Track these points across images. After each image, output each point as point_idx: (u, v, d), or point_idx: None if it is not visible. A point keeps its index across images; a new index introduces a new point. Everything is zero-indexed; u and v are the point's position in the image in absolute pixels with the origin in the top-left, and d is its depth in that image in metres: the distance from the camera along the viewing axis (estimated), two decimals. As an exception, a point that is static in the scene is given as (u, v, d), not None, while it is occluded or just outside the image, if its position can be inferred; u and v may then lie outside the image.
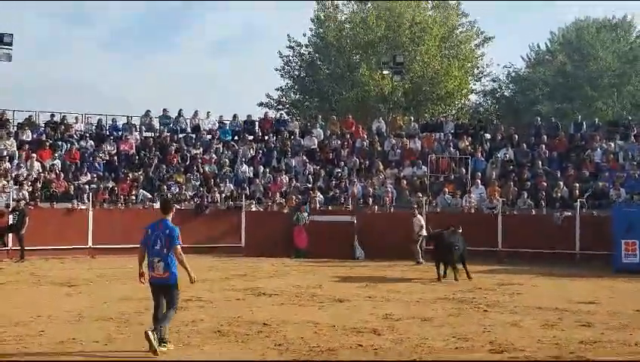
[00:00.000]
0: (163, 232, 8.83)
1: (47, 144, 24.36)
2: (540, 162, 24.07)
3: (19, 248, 20.23)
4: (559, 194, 22.37)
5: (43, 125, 25.62)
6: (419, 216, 20.90)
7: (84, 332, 10.06)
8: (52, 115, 25.91)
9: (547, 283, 16.37)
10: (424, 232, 20.16)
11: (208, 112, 27.40)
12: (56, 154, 24.16)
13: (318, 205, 23.10)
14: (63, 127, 25.46)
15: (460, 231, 17.29)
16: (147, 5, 65.44)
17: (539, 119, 28.16)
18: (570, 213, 21.41)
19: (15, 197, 21.12)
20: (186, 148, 25.60)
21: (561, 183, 22.61)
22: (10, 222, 20.55)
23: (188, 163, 25.03)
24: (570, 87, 40.44)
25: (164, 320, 8.82)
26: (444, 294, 14.17)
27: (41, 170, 23.16)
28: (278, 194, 23.66)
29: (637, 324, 11.02)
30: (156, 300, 8.97)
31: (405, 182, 23.95)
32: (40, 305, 12.26)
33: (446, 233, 16.93)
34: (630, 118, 28.81)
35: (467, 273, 16.72)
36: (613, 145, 24.37)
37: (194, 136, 26.53)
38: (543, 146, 24.79)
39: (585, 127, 26.10)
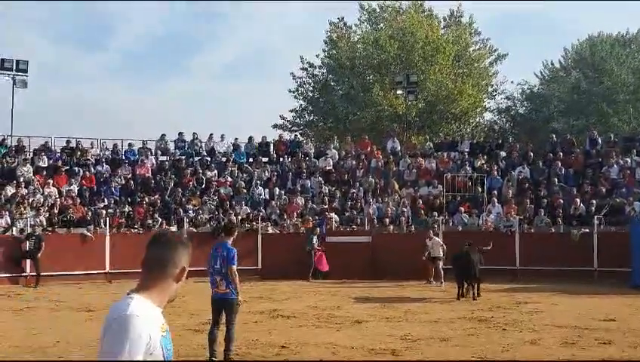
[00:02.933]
0: (222, 253, 9.45)
1: (63, 170, 24.61)
2: (557, 179, 24.03)
3: (35, 274, 20.37)
4: (577, 211, 22.31)
5: (59, 151, 25.88)
6: (435, 237, 20.72)
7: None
8: (68, 141, 26.18)
9: (566, 300, 16.30)
10: (440, 253, 20.16)
11: (223, 135, 27.66)
12: (73, 180, 24.37)
13: (334, 226, 23.15)
14: (78, 152, 25.71)
15: (477, 248, 17.34)
16: (160, 29, 66.11)
17: (554, 136, 28.13)
18: (587, 230, 21.32)
19: (32, 223, 21.31)
20: (201, 171, 25.78)
21: (578, 200, 22.56)
22: (27, 248, 20.72)
23: (203, 186, 25.19)
24: (585, 104, 40.39)
25: (230, 341, 9.40)
26: (462, 314, 14.15)
27: (57, 196, 23.37)
28: (294, 215, 23.74)
29: (658, 341, 10.96)
30: (216, 316, 9.50)
31: (421, 201, 23.97)
32: (59, 331, 12.34)
33: (467, 250, 16.95)
34: (646, 133, 28.74)
35: (478, 291, 16.77)
36: (629, 160, 24.29)
37: (209, 159, 26.72)
38: (559, 163, 24.75)
39: (600, 143, 26.05)
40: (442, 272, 20.02)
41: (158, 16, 67.82)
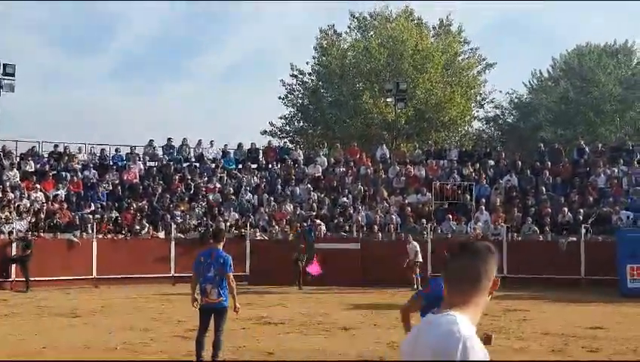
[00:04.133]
0: (217, 261, 9.18)
1: (50, 175, 24.49)
2: (544, 188, 24.14)
3: (23, 279, 20.25)
4: (564, 220, 22.42)
5: (46, 156, 25.75)
6: (413, 242, 21.08)
7: (89, 362, 10.08)
8: (55, 146, 26.06)
9: (553, 308, 16.36)
10: (420, 258, 20.48)
11: (212, 141, 27.60)
12: (60, 185, 24.25)
13: (322, 233, 23.14)
14: (66, 157, 25.60)
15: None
16: (148, 37, 65.99)
17: (542, 145, 28.26)
18: (574, 239, 21.44)
19: (17, 227, 21.20)
20: (190, 177, 25.73)
21: (565, 209, 22.67)
22: (14, 252, 20.61)
23: (192, 192, 25.13)
24: (572, 113, 40.61)
25: (218, 348, 9.18)
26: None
27: (44, 201, 23.26)
28: (282, 222, 23.71)
29: (644, 349, 11.01)
30: (204, 325, 9.28)
31: (410, 209, 24.01)
32: (45, 336, 12.27)
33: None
34: (633, 143, 28.89)
35: None
36: (616, 170, 24.44)
37: (198, 165, 26.66)
38: (547, 172, 24.87)
39: (588, 152, 26.20)
40: (417, 277, 20.49)
41: (146, 24, 67.74)
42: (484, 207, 23.47)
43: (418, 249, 20.88)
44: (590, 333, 12.52)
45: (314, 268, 21.77)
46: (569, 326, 13.34)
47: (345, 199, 24.80)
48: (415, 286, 20.41)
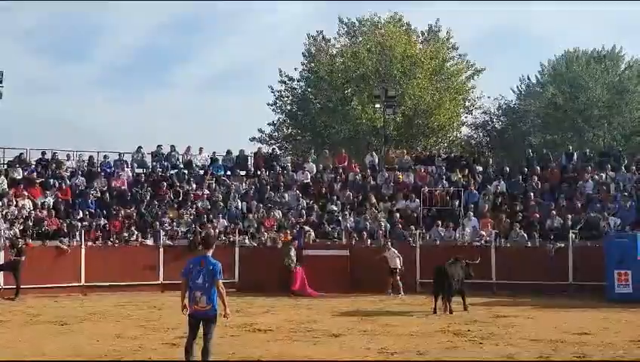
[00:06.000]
0: (206, 268, 9.18)
1: (38, 182, 24.39)
2: (532, 194, 24.23)
3: (14, 286, 20.13)
4: (552, 226, 22.52)
5: (34, 163, 25.65)
6: (392, 249, 21.29)
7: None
8: (43, 153, 25.94)
9: (542, 314, 16.43)
10: (399, 264, 20.88)
11: (201, 148, 27.50)
12: (48, 192, 24.17)
13: (311, 239, 23.15)
14: (54, 164, 25.52)
15: (464, 262, 17.54)
16: (136, 43, 65.90)
17: (530, 151, 28.40)
18: (562, 245, 21.54)
19: (5, 234, 21.12)
20: (178, 184, 25.68)
21: (554, 214, 22.77)
22: (2, 261, 20.54)
23: (181, 199, 25.09)
24: (561, 119, 40.83)
25: (207, 355, 9.15)
26: (439, 327, 14.21)
27: (32, 208, 23.18)
28: (272, 228, 23.70)
29: (631, 355, 11.09)
30: (193, 332, 9.25)
31: (399, 215, 24.06)
32: (33, 344, 12.24)
33: (446, 265, 17.10)
34: (620, 148, 29.11)
35: (464, 305, 16.90)
36: (604, 176, 24.56)
37: (186, 171, 26.61)
38: (535, 178, 24.96)
39: (576, 158, 26.33)
40: (400, 284, 20.83)
41: (133, 31, 67.64)
42: (472, 213, 23.56)
43: (398, 254, 21.11)
44: (578, 339, 12.59)
45: (296, 282, 21.66)
46: (557, 332, 13.42)
47: (334, 206, 24.82)
48: (401, 293, 20.58)
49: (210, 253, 9.42)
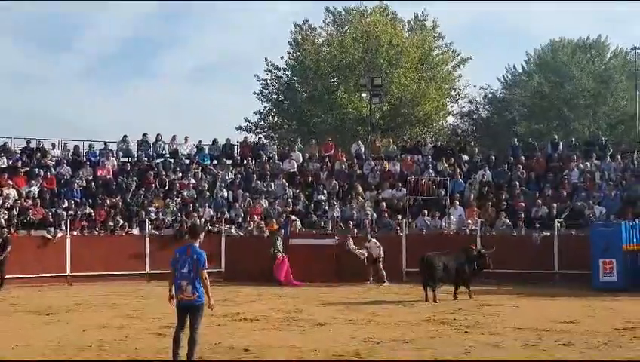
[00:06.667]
0: (191, 257, 9.18)
1: (22, 171, 24.24)
2: (518, 183, 24.31)
3: (-1, 276, 19.97)
4: (538, 214, 22.61)
5: (18, 152, 25.48)
6: (373, 239, 21.49)
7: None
8: (28, 142, 25.79)
9: (527, 303, 16.52)
10: (381, 253, 21.17)
11: (186, 137, 27.43)
12: (33, 181, 24.02)
13: (297, 229, 23.14)
14: (39, 153, 25.36)
15: (477, 252, 17.65)
16: (124, 32, 65.52)
17: (516, 140, 28.48)
18: (548, 233, 21.63)
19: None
20: (164, 173, 25.60)
21: (539, 203, 22.86)
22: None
23: (166, 188, 25.00)
24: (546, 108, 41.02)
25: (194, 345, 9.12)
26: (425, 316, 14.26)
27: (17, 197, 23.03)
28: (257, 218, 23.66)
29: (616, 343, 11.17)
30: (181, 321, 9.25)
31: (385, 204, 24.08)
32: (18, 334, 12.16)
33: (431, 254, 17.20)
34: (606, 138, 29.23)
35: (469, 293, 17.21)
36: (589, 165, 24.67)
37: (172, 160, 26.53)
38: (521, 167, 25.04)
39: (562, 147, 26.43)
40: (384, 272, 21.05)
41: (120, 21, 67.19)
42: (458, 202, 23.62)
43: (379, 244, 21.32)
44: (563, 327, 12.66)
45: (280, 272, 21.65)
46: (543, 320, 13.48)
47: (321, 195, 24.82)
48: (385, 282, 20.69)
49: (197, 242, 9.41)
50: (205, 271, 9.19)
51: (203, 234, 9.94)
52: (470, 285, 17.45)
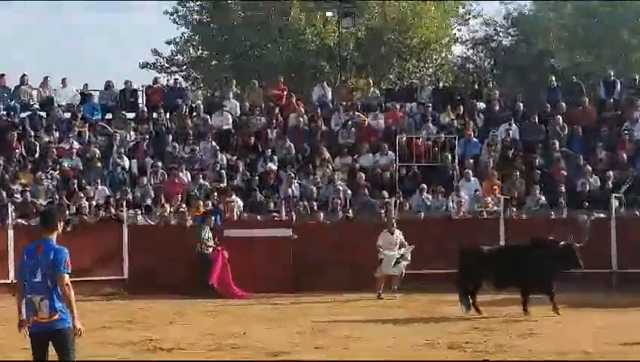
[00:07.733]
0: (45, 258, 8.81)
1: None
2: (557, 143, 24.49)
3: None
4: (586, 188, 22.81)
5: None
6: (396, 231, 21.13)
7: None
8: None
9: (572, 316, 16.73)
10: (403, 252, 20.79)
11: (64, 79, 27.21)
12: None
13: (236, 214, 23.14)
14: None
15: (566, 246, 17.68)
16: None
17: (553, 79, 28.58)
18: (602, 215, 21.84)
19: None
20: (33, 133, 25.35)
21: (589, 171, 23.05)
22: None
23: (37, 156, 24.80)
24: (597, 32, 41.20)
25: None
26: (426, 338, 14.31)
27: None
28: (175, 198, 23.58)
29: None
30: (39, 356, 8.82)
31: (364, 176, 24.10)
32: None
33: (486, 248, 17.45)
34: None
35: (554, 306, 17.22)
36: (661, 114, 24.94)
37: (45, 115, 26.29)
38: (561, 119, 25.21)
39: (620, 88, 26.59)
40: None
41: None
42: (471, 172, 23.74)
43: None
44: (628, 350, 12.82)
45: (210, 273, 21.67)
46: (596, 341, 13.65)
47: (269, 163, 24.79)
48: (396, 286, 20.69)
49: (53, 236, 9.02)
50: (67, 276, 8.80)
51: (63, 223, 9.64)
52: (554, 294, 17.30)
